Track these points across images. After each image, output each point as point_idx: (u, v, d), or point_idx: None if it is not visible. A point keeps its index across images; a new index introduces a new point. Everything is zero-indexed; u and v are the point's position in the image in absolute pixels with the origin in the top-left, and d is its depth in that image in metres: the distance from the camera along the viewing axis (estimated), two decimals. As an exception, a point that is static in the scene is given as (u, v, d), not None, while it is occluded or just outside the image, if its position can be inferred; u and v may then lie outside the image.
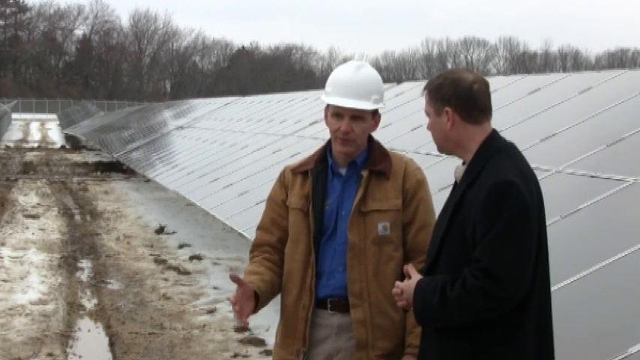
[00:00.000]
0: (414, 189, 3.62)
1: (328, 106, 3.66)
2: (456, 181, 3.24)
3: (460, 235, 3.08)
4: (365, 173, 3.62)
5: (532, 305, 3.05)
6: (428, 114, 3.26)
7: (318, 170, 3.69)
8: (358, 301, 3.57)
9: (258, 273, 3.67)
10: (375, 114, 3.67)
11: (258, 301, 3.60)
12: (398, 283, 3.25)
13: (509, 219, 2.98)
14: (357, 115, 3.61)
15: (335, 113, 3.63)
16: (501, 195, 3.00)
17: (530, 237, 3.01)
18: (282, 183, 3.78)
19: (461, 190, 3.14)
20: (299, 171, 3.74)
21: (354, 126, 3.61)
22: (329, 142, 3.72)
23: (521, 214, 3.00)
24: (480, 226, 3.01)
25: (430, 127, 3.27)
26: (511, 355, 3.04)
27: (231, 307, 3.62)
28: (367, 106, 3.61)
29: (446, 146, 3.25)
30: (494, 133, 3.20)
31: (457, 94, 3.16)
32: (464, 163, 3.22)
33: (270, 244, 3.74)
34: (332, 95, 3.63)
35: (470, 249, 3.04)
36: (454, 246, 3.10)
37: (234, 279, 3.53)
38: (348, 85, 3.61)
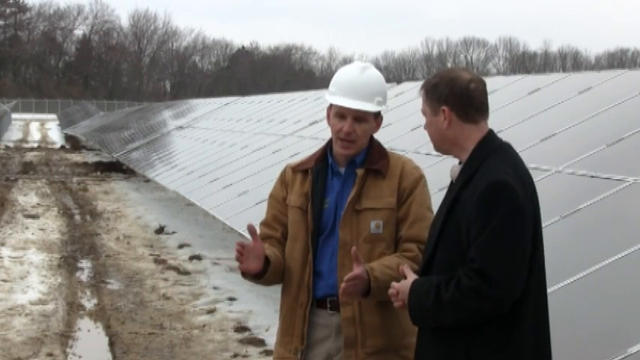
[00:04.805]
0: (410, 187, 3.62)
1: (331, 105, 3.67)
2: (452, 181, 3.23)
3: (455, 235, 3.07)
4: (360, 172, 3.63)
5: (527, 306, 3.04)
6: (424, 113, 3.25)
7: (319, 169, 3.69)
8: (348, 298, 3.56)
9: (270, 249, 3.69)
10: (377, 116, 3.68)
11: (267, 270, 3.60)
12: (394, 283, 3.24)
13: (503, 219, 2.97)
14: (359, 116, 3.62)
15: (338, 113, 3.64)
16: (495, 195, 3.00)
17: (524, 237, 3.00)
18: (283, 181, 3.79)
19: (456, 190, 3.13)
20: (300, 169, 3.75)
21: (356, 127, 3.62)
22: (330, 141, 3.72)
23: (515, 215, 2.99)
24: (475, 226, 3.00)
25: (427, 127, 3.26)
26: (506, 356, 3.03)
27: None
28: (370, 107, 3.62)
29: (442, 146, 3.25)
30: (491, 133, 3.20)
31: (454, 93, 3.15)
32: (460, 163, 3.22)
33: (276, 238, 3.76)
34: (336, 95, 3.64)
35: (464, 249, 3.03)
36: (449, 245, 3.10)
37: (251, 230, 3.55)
38: (352, 86, 3.62)
